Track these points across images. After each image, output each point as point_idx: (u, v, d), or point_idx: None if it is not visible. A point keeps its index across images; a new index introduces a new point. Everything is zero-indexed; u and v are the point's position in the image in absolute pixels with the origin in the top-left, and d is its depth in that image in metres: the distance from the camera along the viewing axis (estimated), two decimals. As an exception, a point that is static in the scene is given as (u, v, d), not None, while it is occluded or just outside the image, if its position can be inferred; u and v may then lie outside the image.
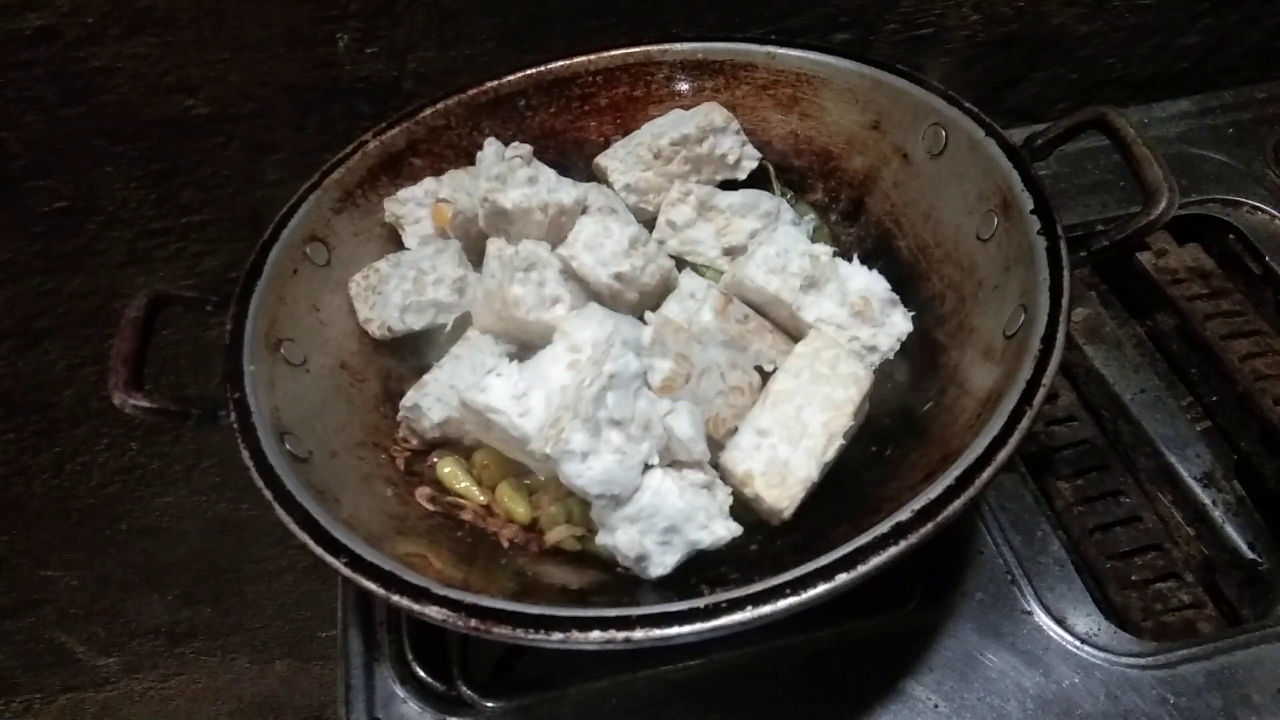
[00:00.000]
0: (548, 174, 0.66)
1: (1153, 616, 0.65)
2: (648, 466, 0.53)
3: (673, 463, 0.55)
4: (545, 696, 0.62)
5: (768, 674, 0.62)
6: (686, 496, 0.53)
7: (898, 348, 0.63)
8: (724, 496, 0.55)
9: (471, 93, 0.75)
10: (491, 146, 0.67)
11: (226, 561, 1.30)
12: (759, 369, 0.62)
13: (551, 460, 0.52)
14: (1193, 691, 0.59)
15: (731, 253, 0.69)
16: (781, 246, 0.63)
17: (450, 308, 0.67)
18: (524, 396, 0.55)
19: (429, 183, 0.71)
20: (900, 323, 0.63)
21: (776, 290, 0.62)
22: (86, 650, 1.41)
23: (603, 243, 0.63)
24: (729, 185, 0.73)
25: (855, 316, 0.63)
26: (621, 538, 0.53)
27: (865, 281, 0.64)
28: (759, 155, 0.74)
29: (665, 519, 0.53)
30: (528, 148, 0.67)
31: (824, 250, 0.63)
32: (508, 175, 0.65)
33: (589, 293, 0.64)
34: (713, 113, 0.72)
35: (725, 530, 0.54)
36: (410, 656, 0.65)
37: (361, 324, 0.68)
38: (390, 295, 0.66)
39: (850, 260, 0.64)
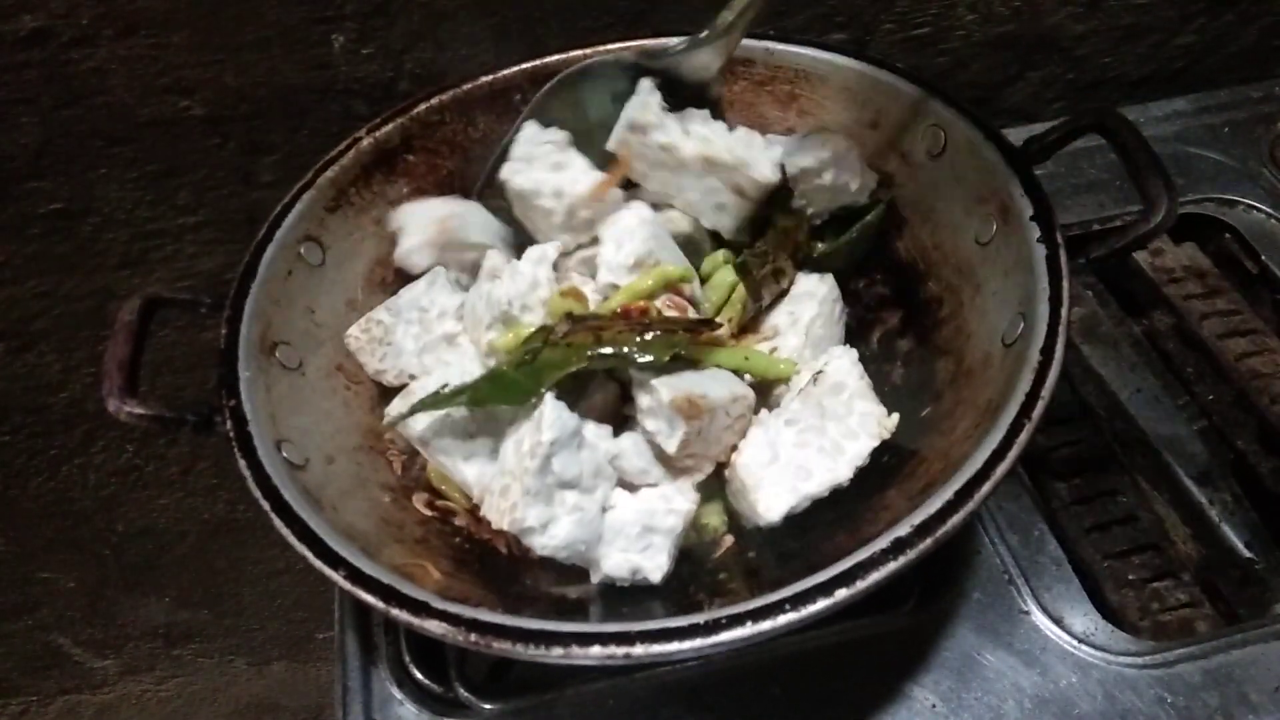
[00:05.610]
0: (579, 163, 0.65)
1: (1150, 616, 0.66)
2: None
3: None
4: (542, 698, 0.62)
5: (765, 674, 0.62)
6: (641, 495, 0.56)
7: None
8: (672, 480, 0.57)
9: (466, 87, 0.73)
10: (531, 128, 0.67)
11: (223, 563, 1.30)
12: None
13: (510, 533, 0.54)
14: (1190, 690, 0.59)
15: None
16: None
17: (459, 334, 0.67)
18: (471, 439, 0.57)
19: (436, 203, 0.70)
20: None
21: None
22: (83, 652, 1.41)
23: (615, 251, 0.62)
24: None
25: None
26: (608, 564, 0.54)
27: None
28: (876, 176, 0.69)
29: (635, 525, 0.54)
30: (564, 134, 0.66)
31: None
32: (533, 159, 0.64)
33: None
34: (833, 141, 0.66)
35: (688, 502, 0.56)
36: (407, 658, 0.65)
37: (372, 377, 0.66)
38: (402, 343, 0.65)
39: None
